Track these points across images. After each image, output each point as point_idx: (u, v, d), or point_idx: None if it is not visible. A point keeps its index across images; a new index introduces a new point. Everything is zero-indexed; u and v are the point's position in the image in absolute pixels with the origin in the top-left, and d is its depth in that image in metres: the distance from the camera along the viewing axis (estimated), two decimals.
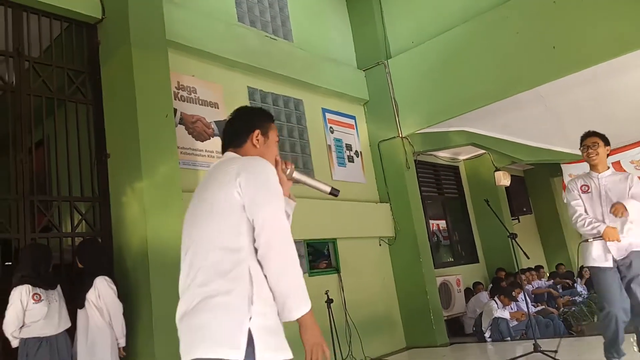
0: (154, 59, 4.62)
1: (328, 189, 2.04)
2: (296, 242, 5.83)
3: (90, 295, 3.79)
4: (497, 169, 9.24)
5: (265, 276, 1.63)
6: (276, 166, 1.90)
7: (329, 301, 5.53)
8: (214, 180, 1.76)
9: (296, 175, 2.00)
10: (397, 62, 7.33)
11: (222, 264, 1.63)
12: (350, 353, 5.74)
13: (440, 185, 9.17)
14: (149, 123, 4.39)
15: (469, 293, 8.16)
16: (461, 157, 9.67)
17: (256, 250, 1.64)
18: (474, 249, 9.40)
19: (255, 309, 1.59)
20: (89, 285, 3.81)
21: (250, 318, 1.57)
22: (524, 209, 10.60)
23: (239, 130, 1.94)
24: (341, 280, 6.21)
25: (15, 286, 3.59)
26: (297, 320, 1.63)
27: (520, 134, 7.94)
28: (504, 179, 9.12)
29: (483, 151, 9.14)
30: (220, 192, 1.71)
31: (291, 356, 1.66)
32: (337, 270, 6.28)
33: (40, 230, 4.27)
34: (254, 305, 1.58)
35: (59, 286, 3.85)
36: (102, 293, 3.80)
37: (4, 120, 4.26)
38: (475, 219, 9.55)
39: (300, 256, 5.88)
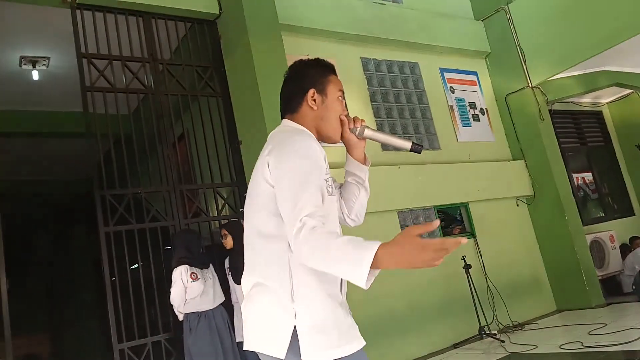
0: (270, 45, 4.80)
1: (408, 145, 1.69)
2: (426, 208, 5.77)
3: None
4: None
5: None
6: (342, 126, 1.68)
7: (467, 266, 5.39)
8: (259, 159, 1.59)
9: (368, 132, 1.71)
10: (519, 4, 6.75)
11: (263, 251, 1.51)
12: (495, 318, 5.56)
13: (582, 135, 8.36)
14: (272, 108, 4.59)
15: (626, 249, 7.41)
16: (604, 101, 8.69)
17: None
18: (627, 201, 8.47)
19: (298, 304, 1.44)
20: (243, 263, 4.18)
21: (294, 316, 1.43)
22: None
23: (292, 92, 1.67)
24: (478, 245, 6.00)
25: (175, 267, 4.04)
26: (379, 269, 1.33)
27: None
28: None
29: (630, 91, 8.14)
30: (257, 175, 1.55)
31: (349, 352, 1.44)
32: (473, 234, 6.08)
33: (191, 216, 4.72)
34: (296, 300, 1.44)
35: (211, 265, 4.25)
36: None
37: (148, 120, 4.74)
38: (627, 167, 8.57)
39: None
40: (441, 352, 5.19)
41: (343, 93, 1.71)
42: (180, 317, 4.04)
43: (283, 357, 1.42)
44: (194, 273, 4.02)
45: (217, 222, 4.85)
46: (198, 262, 4.09)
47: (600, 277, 6.70)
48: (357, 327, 1.52)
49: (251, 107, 4.72)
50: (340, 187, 1.78)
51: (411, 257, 1.27)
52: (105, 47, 4.60)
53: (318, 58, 1.75)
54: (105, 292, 4.12)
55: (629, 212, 8.41)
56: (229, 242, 4.24)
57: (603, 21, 5.80)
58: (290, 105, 1.68)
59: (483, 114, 6.88)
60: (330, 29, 5.58)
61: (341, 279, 1.54)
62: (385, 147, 5.70)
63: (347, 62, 5.77)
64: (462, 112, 6.66)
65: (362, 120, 1.71)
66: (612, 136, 8.70)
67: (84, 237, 8.81)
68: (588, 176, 8.17)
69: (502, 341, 5.02)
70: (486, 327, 5.35)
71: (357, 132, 1.71)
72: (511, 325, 5.65)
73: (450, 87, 6.68)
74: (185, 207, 4.68)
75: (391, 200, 5.32)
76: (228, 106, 5.03)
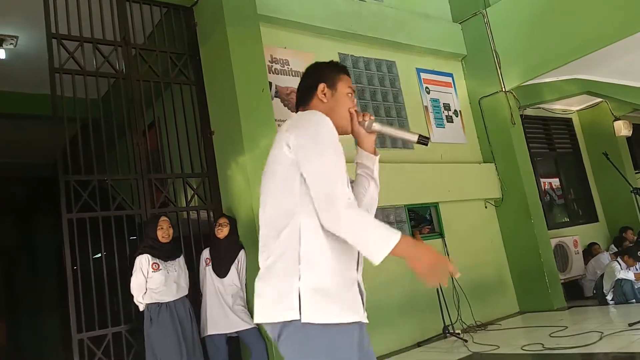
0: (247, 35, 4.73)
1: (415, 138, 1.78)
2: (397, 207, 5.80)
3: (233, 265, 4.21)
4: (617, 118, 8.39)
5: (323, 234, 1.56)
6: (351, 120, 1.79)
7: None
8: (275, 140, 1.72)
9: (376, 126, 1.80)
10: (496, 9, 6.82)
11: (276, 224, 1.60)
12: (459, 318, 5.64)
13: (552, 140, 8.54)
14: (247, 99, 4.53)
15: (588, 254, 7.62)
16: (574, 108, 8.89)
17: (308, 208, 1.57)
18: (592, 207, 8.70)
19: (303, 268, 1.53)
20: (234, 257, 4.23)
21: (299, 277, 1.52)
22: None
23: (306, 86, 1.83)
24: (446, 245, 6.07)
25: (137, 255, 3.96)
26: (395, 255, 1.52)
27: None
28: (624, 129, 8.27)
29: (599, 100, 8.36)
30: (275, 150, 1.67)
31: (347, 320, 1.53)
32: (441, 234, 6.14)
33: (159, 205, 4.63)
34: (301, 265, 1.53)
35: (181, 257, 4.17)
36: (243, 265, 4.25)
37: (118, 106, 4.62)
38: (593, 174, 8.80)
39: (401, 222, 5.83)
40: (406, 349, 5.24)
41: (354, 91, 1.85)
42: (141, 308, 3.96)
43: (296, 317, 1.49)
44: (156, 263, 3.95)
45: (184, 212, 4.77)
46: (162, 253, 4.01)
47: (562, 281, 6.86)
48: (364, 307, 1.64)
49: (225, 97, 4.64)
50: (351, 183, 1.83)
51: (431, 261, 1.53)
52: (77, 28, 4.45)
53: (333, 60, 1.93)
54: (67, 280, 4.01)
55: (593, 218, 8.64)
56: (224, 232, 4.21)
57: (576, 31, 5.92)
58: (303, 99, 1.83)
59: (457, 116, 6.94)
60: (309, 23, 5.53)
61: (358, 260, 1.67)
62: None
63: (325, 57, 5.62)
64: (436, 112, 6.71)
65: (371, 115, 1.83)
66: (580, 143, 8.91)
67: (47, 223, 8.57)
68: (555, 181, 8.35)
69: (465, 341, 5.09)
70: (450, 326, 5.42)
71: (365, 125, 1.80)
72: (475, 325, 5.73)
73: (426, 87, 6.72)
74: (153, 197, 4.58)
75: None
76: (201, 95, 4.94)
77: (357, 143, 1.86)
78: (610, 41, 5.69)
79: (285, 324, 1.52)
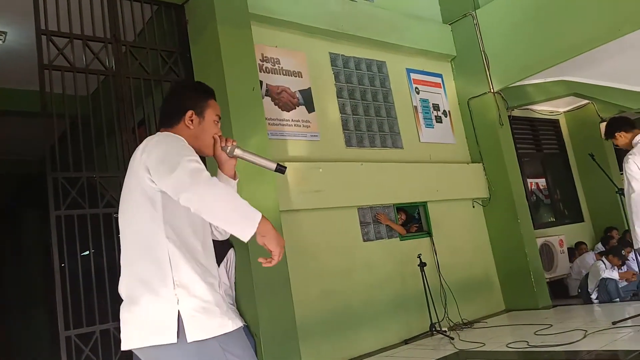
0: (239, 33, 4.73)
1: (273, 166, 1.87)
2: (385, 206, 5.85)
3: (222, 264, 4.21)
4: (603, 120, 8.49)
5: (188, 252, 1.60)
6: (214, 144, 1.83)
7: (422, 264, 5.50)
8: (132, 162, 1.73)
9: (238, 152, 1.86)
10: (486, 11, 6.89)
11: (141, 247, 1.61)
12: (446, 315, 5.70)
13: (539, 141, 8.64)
14: (238, 97, 4.54)
15: (572, 253, 7.73)
16: (561, 110, 9.00)
17: (174, 235, 1.60)
18: (578, 207, 8.82)
19: (180, 292, 1.55)
20: (223, 255, 4.25)
21: (177, 301, 1.55)
22: None
23: (171, 110, 1.83)
24: (434, 244, 6.13)
25: None
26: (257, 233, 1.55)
27: (628, 79, 7.23)
28: None
29: (586, 101, 8.48)
30: (131, 173, 1.69)
31: (230, 329, 1.60)
32: (429, 233, 6.20)
33: None
34: (177, 288, 1.55)
35: None
36: (232, 263, 4.27)
37: (108, 103, 4.61)
38: (579, 175, 8.92)
39: (390, 220, 5.87)
40: (393, 347, 5.28)
41: (219, 118, 1.88)
42: None
43: (175, 341, 1.51)
44: None
45: None
46: None
47: (548, 280, 6.96)
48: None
49: (216, 95, 4.64)
50: None
51: (277, 238, 1.56)
52: (67, 25, 4.43)
53: (200, 82, 1.95)
54: (54, 278, 3.99)
55: (578, 218, 8.76)
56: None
57: (564, 34, 6.00)
58: (167, 121, 1.81)
59: (446, 116, 7.00)
60: (300, 22, 5.55)
61: (219, 277, 1.74)
62: (349, 143, 5.74)
63: (316, 56, 5.76)
64: (425, 113, 6.76)
65: (234, 141, 1.86)
66: (567, 144, 9.02)
67: (34, 220, 8.51)
68: (542, 182, 8.45)
69: (452, 338, 5.15)
70: (437, 324, 5.48)
71: (227, 151, 1.84)
72: (461, 323, 5.80)
73: (416, 87, 6.77)
74: None
75: (352, 196, 5.36)
76: None
77: (219, 166, 1.90)
78: (597, 44, 5.78)
79: (165, 347, 1.53)
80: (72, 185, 4.16)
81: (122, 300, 1.67)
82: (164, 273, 1.56)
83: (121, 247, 1.72)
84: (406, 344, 5.36)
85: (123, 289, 1.68)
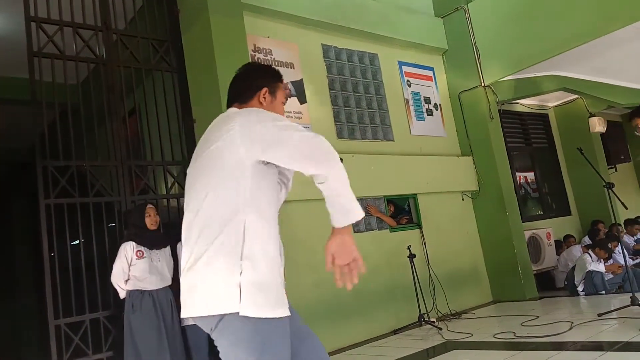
0: (231, 23, 4.71)
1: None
2: (376, 198, 5.87)
3: None
4: (592, 115, 8.58)
5: (257, 231, 1.60)
6: None
7: (412, 256, 5.54)
8: (216, 133, 1.71)
9: None
10: (478, 5, 6.91)
11: (217, 219, 1.60)
12: (434, 306, 5.76)
13: (528, 135, 8.71)
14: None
15: (560, 246, 7.82)
16: (550, 104, 9.07)
17: (254, 205, 1.60)
18: (565, 201, 8.92)
19: (245, 265, 1.55)
20: None
21: (240, 272, 1.54)
22: (622, 157, 9.83)
23: (247, 86, 1.87)
24: (423, 236, 6.18)
25: (123, 243, 3.95)
26: (343, 226, 1.62)
27: (617, 75, 7.29)
28: (599, 126, 8.47)
29: (575, 96, 8.54)
30: (215, 144, 1.66)
31: (280, 315, 1.58)
32: (419, 225, 6.25)
33: (139, 193, 4.61)
34: (243, 261, 1.55)
35: (168, 247, 4.15)
36: None
37: (98, 92, 4.57)
38: (567, 169, 9.01)
39: (380, 212, 5.90)
40: (381, 337, 5.34)
41: (286, 99, 1.97)
42: (122, 295, 3.94)
43: (234, 311, 1.51)
44: (140, 251, 3.94)
45: (164, 200, 4.76)
46: (148, 240, 4.00)
47: (535, 272, 7.05)
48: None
49: (207, 85, 4.63)
50: None
51: (351, 246, 1.65)
52: (57, 12, 4.38)
53: (271, 65, 2.01)
54: (44, 266, 3.98)
55: (566, 211, 8.86)
56: None
57: (555, 29, 6.03)
58: (241, 97, 1.85)
59: (437, 109, 7.03)
60: (293, 13, 5.53)
61: (280, 249, 1.72)
62: (340, 134, 5.75)
63: (308, 47, 5.75)
64: (417, 106, 6.79)
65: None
66: (556, 138, 9.10)
67: (23, 208, 8.44)
68: (530, 175, 8.53)
69: (440, 329, 5.21)
70: (425, 314, 5.54)
71: None
72: (449, 313, 5.86)
73: (407, 80, 6.78)
74: (133, 184, 4.56)
75: None
76: (183, 83, 4.92)
77: None
78: (588, 39, 5.82)
79: (223, 317, 1.55)
80: (61, 174, 4.14)
81: (186, 267, 1.66)
82: (235, 244, 1.57)
83: (188, 215, 1.69)
84: (395, 334, 5.42)
85: (187, 255, 1.65)
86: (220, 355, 1.62)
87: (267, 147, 1.60)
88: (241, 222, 1.58)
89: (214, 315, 1.56)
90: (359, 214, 1.62)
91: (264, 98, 1.85)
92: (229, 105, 1.88)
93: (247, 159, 1.61)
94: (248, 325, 1.53)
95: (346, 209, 1.62)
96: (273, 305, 1.57)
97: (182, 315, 1.66)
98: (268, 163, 1.64)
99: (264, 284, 1.56)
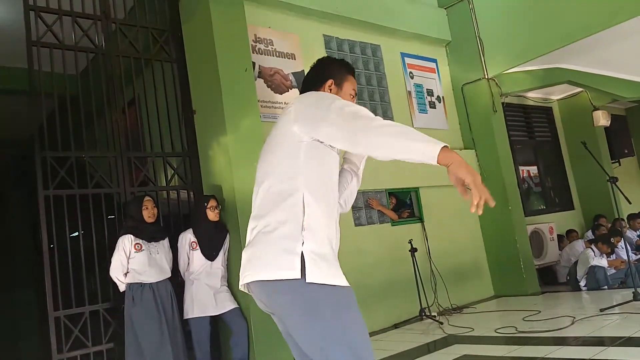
0: (231, 13, 4.65)
1: None
2: (378, 191, 5.83)
3: (224, 246, 4.26)
4: (596, 108, 8.51)
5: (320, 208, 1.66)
6: None
7: (413, 250, 5.51)
8: (281, 117, 1.81)
9: None
10: None
11: (278, 193, 1.67)
12: (436, 300, 5.73)
13: (531, 129, 8.64)
14: (230, 78, 4.47)
15: (563, 241, 7.78)
16: (554, 97, 9.00)
17: (309, 184, 1.66)
18: (568, 195, 8.87)
19: (307, 235, 1.61)
20: (224, 239, 4.27)
21: (302, 243, 1.60)
22: (626, 151, 9.76)
23: (314, 78, 1.95)
24: (425, 229, 6.15)
25: (121, 235, 3.92)
26: (440, 163, 1.49)
27: (622, 68, 7.21)
28: (603, 119, 8.39)
29: (579, 89, 8.46)
30: (280, 124, 1.77)
31: (344, 284, 1.63)
32: (421, 219, 6.21)
33: (138, 184, 4.57)
34: (305, 232, 1.61)
35: (166, 239, 4.13)
36: (227, 247, 4.30)
37: (97, 82, 4.52)
38: (571, 163, 8.95)
39: (382, 205, 5.86)
40: (382, 331, 5.32)
41: (355, 94, 1.98)
42: (122, 288, 3.92)
43: (299, 277, 1.56)
44: (139, 244, 3.91)
45: (164, 192, 4.72)
46: (146, 233, 3.97)
47: (537, 267, 7.01)
48: None
49: (207, 76, 4.57)
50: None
51: (468, 167, 1.51)
52: (55, 1, 4.32)
53: (343, 59, 2.04)
54: (43, 258, 3.95)
55: (569, 206, 8.81)
56: (217, 214, 4.16)
57: (560, 20, 5.96)
58: (309, 87, 1.93)
59: (439, 102, 6.97)
60: (294, 3, 5.46)
61: (336, 233, 1.76)
62: None
63: (310, 38, 5.68)
64: (419, 98, 6.72)
65: None
66: (559, 132, 9.03)
67: (22, 200, 8.42)
68: (533, 169, 8.47)
69: (441, 323, 5.19)
70: (427, 309, 5.51)
71: None
72: (450, 308, 5.84)
73: (410, 72, 6.72)
74: (132, 175, 4.52)
75: None
76: (183, 73, 4.86)
77: None
78: (593, 31, 5.75)
79: (285, 282, 1.58)
80: (60, 165, 4.10)
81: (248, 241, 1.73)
82: (295, 217, 1.63)
83: (255, 190, 1.78)
84: (396, 328, 5.40)
85: (251, 227, 1.73)
86: (284, 320, 1.67)
87: (314, 124, 1.65)
88: (300, 198, 1.65)
89: (271, 281, 1.60)
90: (435, 147, 1.48)
91: (329, 89, 1.90)
92: None
93: (301, 137, 1.68)
94: (320, 292, 1.57)
95: (422, 152, 1.50)
96: (334, 275, 1.62)
97: (243, 281, 1.70)
98: (328, 144, 1.69)
99: (324, 255, 1.63)
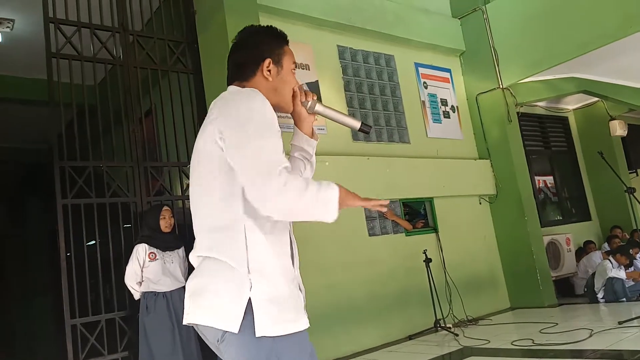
0: (246, 24, 4.67)
1: (358, 125, 1.68)
2: (392, 201, 5.79)
3: None
4: (612, 118, 8.42)
5: (265, 238, 1.41)
6: (294, 98, 1.63)
7: (427, 260, 5.47)
8: (204, 124, 1.49)
9: (319, 108, 1.66)
10: (496, 6, 6.82)
11: (214, 225, 1.42)
12: (450, 312, 5.68)
13: (547, 139, 8.56)
14: None
15: (581, 252, 7.67)
16: (570, 107, 8.92)
17: (250, 208, 1.39)
18: (585, 206, 8.75)
19: (254, 275, 1.37)
20: None
21: (250, 287, 1.36)
22: None
23: (246, 59, 1.58)
24: (439, 240, 6.10)
25: (136, 245, 3.96)
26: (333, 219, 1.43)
27: (638, 77, 7.14)
28: (620, 129, 8.30)
29: (596, 99, 8.38)
30: (201, 140, 1.46)
31: (300, 328, 1.41)
32: (435, 229, 6.17)
33: (154, 194, 4.62)
34: (252, 274, 1.37)
35: (182, 248, 4.14)
36: None
37: (115, 93, 4.60)
38: (587, 173, 8.85)
39: (396, 215, 5.84)
40: (396, 342, 5.27)
41: (296, 65, 1.67)
42: (137, 296, 3.96)
43: (236, 331, 1.34)
44: (153, 253, 3.94)
45: (180, 201, 4.76)
46: (161, 242, 4.00)
47: (554, 278, 6.91)
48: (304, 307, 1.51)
49: (223, 86, 4.59)
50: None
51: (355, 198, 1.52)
52: (75, 13, 4.42)
53: (271, 26, 1.67)
54: (60, 266, 4.00)
55: (586, 216, 8.69)
56: None
57: (576, 29, 5.93)
58: (241, 73, 1.58)
59: (454, 112, 6.95)
60: (308, 14, 5.50)
61: (292, 253, 1.51)
62: (355, 137, 5.70)
63: (323, 49, 5.72)
64: (433, 108, 6.71)
65: (314, 95, 1.68)
66: (576, 142, 8.94)
67: (40, 208, 8.54)
68: (549, 179, 8.39)
69: (456, 335, 5.13)
70: (442, 320, 5.46)
71: (307, 106, 1.67)
72: (466, 319, 5.77)
73: (424, 82, 6.71)
74: (149, 185, 4.57)
75: (358, 190, 5.25)
76: (199, 84, 4.92)
77: (295, 123, 1.71)
78: (609, 40, 5.71)
79: (231, 333, 1.36)
80: (79, 175, 4.17)
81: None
82: (238, 254, 1.38)
83: (193, 219, 1.52)
84: (410, 339, 5.35)
85: (194, 260, 1.50)
86: None
87: (233, 158, 1.39)
88: (241, 229, 1.39)
89: (220, 330, 1.38)
90: (330, 208, 1.41)
91: (269, 71, 1.56)
92: (229, 84, 1.61)
93: (224, 159, 1.41)
94: (264, 344, 1.35)
95: (321, 217, 1.42)
96: (288, 319, 1.39)
97: (185, 322, 1.47)
98: None
99: (278, 296, 1.39)
